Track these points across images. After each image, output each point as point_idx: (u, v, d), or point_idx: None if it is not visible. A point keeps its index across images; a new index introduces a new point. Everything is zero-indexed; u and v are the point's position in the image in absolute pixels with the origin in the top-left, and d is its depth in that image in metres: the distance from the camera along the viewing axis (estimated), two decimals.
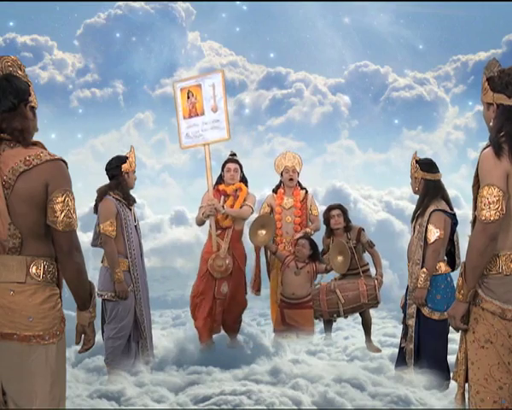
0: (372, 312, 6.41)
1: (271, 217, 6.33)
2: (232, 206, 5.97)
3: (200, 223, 6.05)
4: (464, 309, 2.79)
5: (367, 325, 6.29)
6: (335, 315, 6.07)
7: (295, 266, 6.14)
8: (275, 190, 6.55)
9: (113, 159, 5.43)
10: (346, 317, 6.22)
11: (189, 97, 5.77)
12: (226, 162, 6.14)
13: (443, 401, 4.77)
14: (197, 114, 5.77)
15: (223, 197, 6.02)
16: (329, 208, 6.31)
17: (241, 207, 5.99)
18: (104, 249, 5.30)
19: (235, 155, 6.22)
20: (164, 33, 18.46)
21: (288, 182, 6.42)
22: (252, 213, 6.12)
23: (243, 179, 6.16)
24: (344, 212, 6.24)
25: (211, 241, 5.95)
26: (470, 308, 2.80)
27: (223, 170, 6.14)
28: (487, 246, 2.65)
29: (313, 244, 6.20)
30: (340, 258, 6.00)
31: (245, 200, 6.03)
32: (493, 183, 2.62)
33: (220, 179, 6.15)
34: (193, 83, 5.80)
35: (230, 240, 5.95)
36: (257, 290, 6.31)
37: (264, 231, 6.10)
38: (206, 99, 5.73)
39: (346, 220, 6.21)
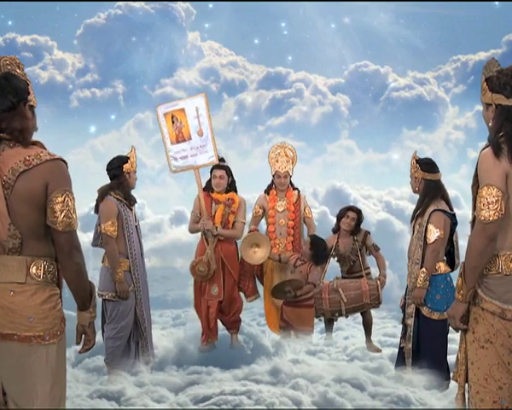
0: (372, 312, 6.40)
1: (264, 235, 6.24)
2: (222, 215, 5.95)
3: (194, 232, 6.11)
4: (464, 309, 2.79)
5: (367, 325, 6.29)
6: (337, 314, 6.05)
7: (293, 264, 6.15)
8: (267, 191, 6.49)
9: (114, 159, 5.43)
10: (346, 316, 6.20)
11: (173, 122, 5.81)
12: (213, 168, 6.06)
13: (443, 401, 4.77)
14: (184, 139, 5.83)
15: (214, 204, 6.00)
16: (348, 208, 6.30)
17: (233, 224, 6.01)
18: (105, 249, 5.30)
19: (223, 160, 6.11)
20: (164, 33, 18.44)
21: (279, 186, 6.39)
22: (244, 228, 6.14)
23: (232, 183, 6.10)
24: (359, 217, 6.21)
25: (200, 244, 6.04)
26: (470, 308, 2.80)
27: (211, 174, 6.09)
28: (487, 246, 2.65)
29: (315, 245, 6.07)
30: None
31: (236, 213, 6.02)
32: (492, 183, 2.62)
33: (209, 185, 6.09)
34: (176, 107, 5.83)
35: (220, 242, 5.97)
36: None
37: (257, 249, 6.07)
38: (191, 124, 5.78)
39: (358, 225, 6.21)
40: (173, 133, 5.83)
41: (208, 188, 6.07)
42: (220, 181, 6.00)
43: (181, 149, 5.84)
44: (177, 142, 5.84)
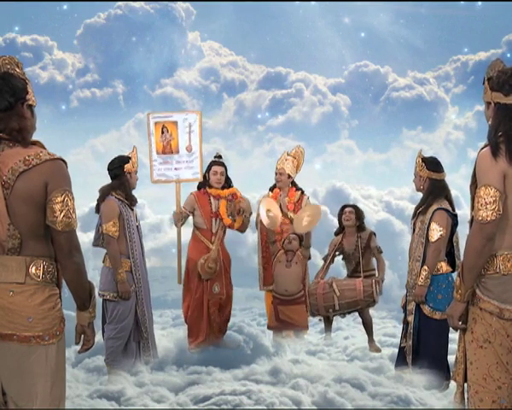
0: (372, 312, 6.41)
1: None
2: (227, 209, 6.01)
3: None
4: (462, 309, 2.79)
5: (368, 325, 6.29)
6: (331, 310, 6.06)
7: (285, 259, 6.17)
8: (271, 189, 6.60)
9: (115, 159, 5.42)
10: (343, 315, 6.21)
11: (163, 132, 5.83)
12: (212, 165, 6.11)
13: (443, 401, 4.77)
14: (171, 152, 5.85)
15: (213, 200, 6.04)
16: (343, 206, 6.46)
17: (241, 214, 6.03)
18: (107, 250, 5.29)
19: (220, 157, 6.18)
20: (164, 33, 18.43)
21: (277, 183, 6.50)
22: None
23: (227, 181, 6.16)
24: (357, 211, 6.33)
25: (195, 243, 6.04)
26: (468, 308, 2.80)
27: (208, 172, 6.10)
28: (484, 246, 2.64)
29: (301, 237, 6.26)
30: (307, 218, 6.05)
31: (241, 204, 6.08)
32: (490, 183, 2.62)
33: (205, 181, 6.11)
34: (169, 119, 5.86)
35: (220, 243, 6.01)
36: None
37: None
38: (181, 138, 5.82)
39: (359, 219, 6.28)
40: (160, 144, 5.86)
41: (204, 185, 6.11)
42: (221, 177, 6.07)
43: (166, 161, 5.87)
44: (163, 153, 5.86)
